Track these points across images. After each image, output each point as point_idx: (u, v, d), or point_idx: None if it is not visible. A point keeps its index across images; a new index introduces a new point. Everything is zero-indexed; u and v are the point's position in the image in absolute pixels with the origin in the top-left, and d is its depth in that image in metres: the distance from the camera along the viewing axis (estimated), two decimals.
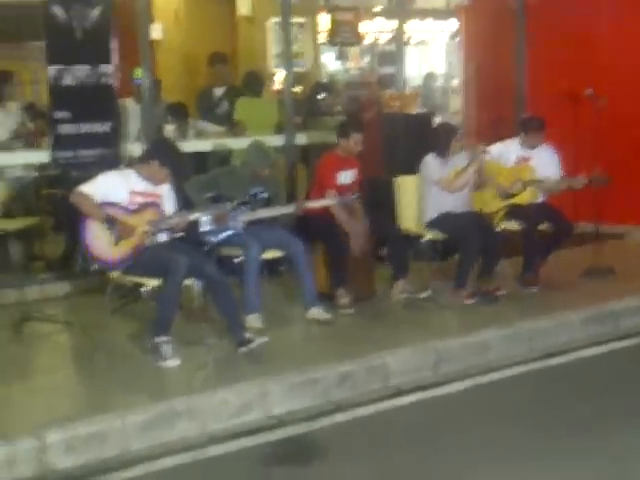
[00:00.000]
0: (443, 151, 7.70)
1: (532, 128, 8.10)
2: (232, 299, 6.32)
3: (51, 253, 8.80)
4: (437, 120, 10.12)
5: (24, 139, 8.64)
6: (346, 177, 7.48)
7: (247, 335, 6.23)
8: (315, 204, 7.22)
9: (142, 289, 6.30)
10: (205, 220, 6.65)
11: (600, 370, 6.53)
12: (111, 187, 6.26)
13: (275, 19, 12.39)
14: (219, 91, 9.71)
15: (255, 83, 9.73)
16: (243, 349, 6.18)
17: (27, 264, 8.55)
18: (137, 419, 5.24)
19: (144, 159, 6.49)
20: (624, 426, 5.41)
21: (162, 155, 6.38)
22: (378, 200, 7.95)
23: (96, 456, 5.05)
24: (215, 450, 5.20)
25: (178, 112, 9.34)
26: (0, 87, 8.76)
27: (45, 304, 7.51)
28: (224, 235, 6.77)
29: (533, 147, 8.08)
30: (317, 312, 6.96)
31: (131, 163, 7.41)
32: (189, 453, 5.15)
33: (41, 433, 4.95)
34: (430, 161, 7.74)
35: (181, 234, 6.47)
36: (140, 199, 6.35)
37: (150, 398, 5.49)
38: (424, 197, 7.84)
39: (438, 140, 7.78)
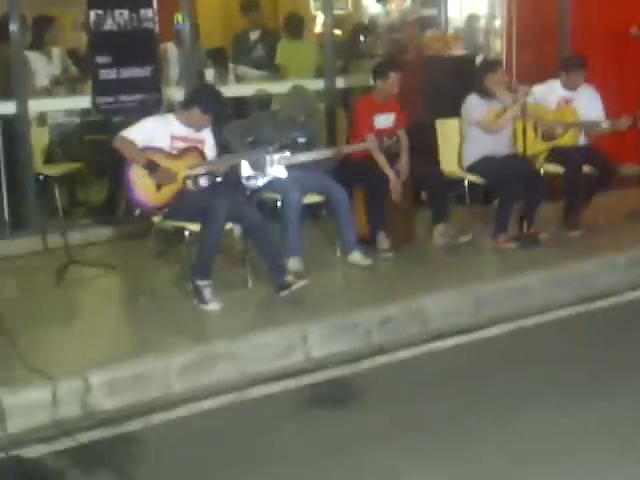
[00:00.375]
0: (485, 88, 7.60)
1: (573, 67, 7.98)
2: (272, 243, 6.34)
3: (94, 198, 8.90)
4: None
5: (67, 85, 8.69)
6: (385, 120, 7.41)
7: (288, 278, 6.24)
8: (354, 148, 7.19)
9: (185, 233, 6.35)
10: (246, 165, 6.65)
11: None
12: (153, 132, 6.28)
13: None
14: (254, 35, 9.65)
15: (296, 25, 9.64)
16: (284, 292, 6.19)
17: (70, 209, 8.64)
18: (179, 361, 5.30)
19: (186, 105, 6.49)
20: None
21: (204, 101, 6.36)
22: (419, 143, 7.88)
23: (138, 397, 5.11)
24: (255, 392, 5.24)
25: (218, 57, 9.33)
26: (42, 33, 8.76)
27: (88, 249, 7.57)
28: (265, 180, 6.77)
29: (574, 87, 7.95)
30: (357, 257, 6.96)
31: (172, 108, 7.42)
32: (230, 395, 5.20)
33: (85, 375, 5.02)
34: (472, 100, 7.64)
35: (222, 179, 6.49)
36: (181, 144, 6.35)
37: (191, 341, 5.56)
38: (465, 139, 7.77)
39: (479, 78, 7.68)
